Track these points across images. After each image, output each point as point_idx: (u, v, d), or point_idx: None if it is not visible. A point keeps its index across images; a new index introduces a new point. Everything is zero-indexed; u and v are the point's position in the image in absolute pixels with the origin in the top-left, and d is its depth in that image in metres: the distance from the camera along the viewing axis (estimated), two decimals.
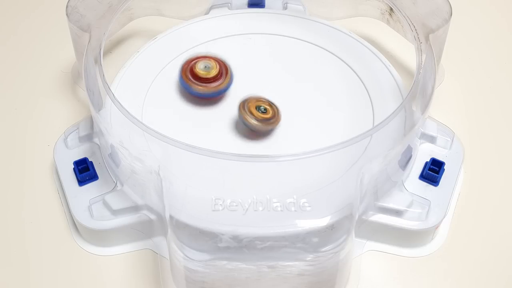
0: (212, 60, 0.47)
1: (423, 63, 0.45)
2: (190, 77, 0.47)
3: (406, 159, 0.45)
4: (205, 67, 0.47)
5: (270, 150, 0.45)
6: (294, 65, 0.51)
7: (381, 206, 0.43)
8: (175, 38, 0.53)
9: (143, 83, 0.49)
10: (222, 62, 0.48)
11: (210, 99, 0.48)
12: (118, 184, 0.44)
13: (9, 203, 0.48)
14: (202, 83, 0.47)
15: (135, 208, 0.43)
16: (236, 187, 0.41)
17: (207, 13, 0.55)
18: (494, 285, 0.44)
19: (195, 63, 0.47)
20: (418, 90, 0.44)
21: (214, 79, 0.47)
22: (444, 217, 0.44)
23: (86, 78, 0.44)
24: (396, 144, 0.42)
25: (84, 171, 0.45)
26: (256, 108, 0.45)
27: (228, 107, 0.48)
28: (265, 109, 0.45)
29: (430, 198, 0.44)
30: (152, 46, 0.52)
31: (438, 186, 0.45)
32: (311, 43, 0.52)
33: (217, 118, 0.47)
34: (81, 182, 0.45)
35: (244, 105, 0.45)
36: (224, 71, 0.47)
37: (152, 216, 0.43)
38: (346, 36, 0.53)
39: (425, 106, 0.43)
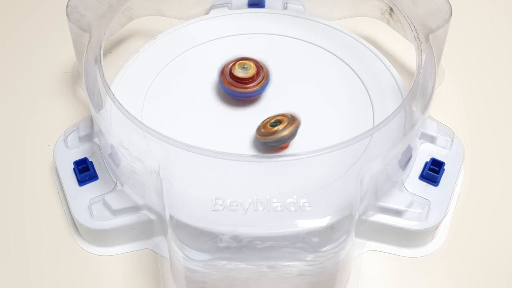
0: (250, 61, 0.48)
1: (423, 63, 0.45)
2: (229, 79, 0.47)
3: (406, 159, 0.45)
4: (243, 68, 0.47)
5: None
6: (294, 65, 0.51)
7: (381, 206, 0.43)
8: (175, 38, 0.53)
9: (143, 83, 0.49)
10: (259, 63, 0.48)
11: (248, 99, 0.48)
12: (118, 184, 0.44)
13: (9, 203, 0.48)
14: (240, 84, 0.47)
15: (135, 208, 0.43)
16: (236, 187, 0.41)
17: (207, 13, 0.55)
18: (494, 285, 0.44)
19: (233, 65, 0.47)
20: (418, 90, 0.44)
21: (252, 79, 0.47)
22: (444, 217, 0.44)
23: (86, 78, 0.44)
24: (396, 144, 0.42)
25: (84, 171, 0.45)
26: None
27: (228, 107, 0.48)
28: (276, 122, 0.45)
29: (430, 198, 0.44)
30: (152, 46, 0.52)
31: (438, 186, 0.45)
32: (311, 43, 0.52)
33: (217, 118, 0.47)
34: (81, 182, 0.45)
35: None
36: (261, 71, 0.48)
37: (152, 216, 0.43)
38: (346, 36, 0.53)
39: (425, 106, 0.43)
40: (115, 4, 0.49)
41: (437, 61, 0.46)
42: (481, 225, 0.46)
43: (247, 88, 0.47)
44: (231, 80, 0.47)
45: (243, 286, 0.41)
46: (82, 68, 0.45)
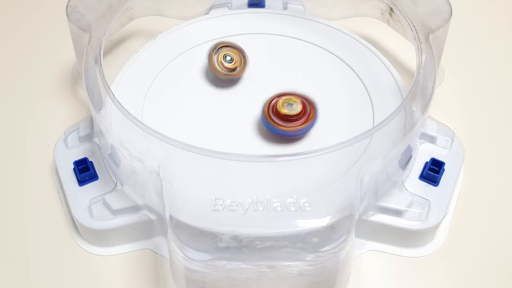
0: (294, 96, 0.45)
1: (423, 63, 0.45)
2: (272, 116, 0.44)
3: (406, 159, 0.45)
4: (288, 104, 0.44)
5: (270, 150, 0.45)
6: (294, 65, 0.51)
7: (381, 206, 0.43)
8: (175, 38, 0.53)
9: (143, 83, 0.49)
10: (305, 97, 0.45)
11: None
12: (118, 184, 0.44)
13: (9, 203, 0.48)
14: (286, 122, 0.44)
15: (135, 208, 0.43)
16: (236, 187, 0.41)
17: (207, 13, 0.55)
18: (494, 285, 0.44)
19: (277, 101, 0.45)
20: (418, 90, 0.44)
21: (298, 116, 0.44)
22: (444, 217, 0.44)
23: (86, 78, 0.45)
24: (396, 144, 0.42)
25: (84, 171, 0.45)
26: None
27: (228, 107, 0.48)
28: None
29: (430, 198, 0.44)
30: (152, 46, 0.52)
31: (438, 186, 0.45)
32: (311, 43, 0.52)
33: (217, 118, 0.47)
34: (81, 182, 0.45)
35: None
36: (308, 106, 0.45)
37: (152, 216, 0.43)
38: (346, 36, 0.53)
39: (425, 106, 0.43)
40: (115, 4, 0.49)
41: (437, 61, 0.46)
42: (481, 225, 0.46)
43: (291, 127, 0.44)
44: (276, 117, 0.44)
45: (243, 286, 0.41)
46: (82, 68, 0.45)
